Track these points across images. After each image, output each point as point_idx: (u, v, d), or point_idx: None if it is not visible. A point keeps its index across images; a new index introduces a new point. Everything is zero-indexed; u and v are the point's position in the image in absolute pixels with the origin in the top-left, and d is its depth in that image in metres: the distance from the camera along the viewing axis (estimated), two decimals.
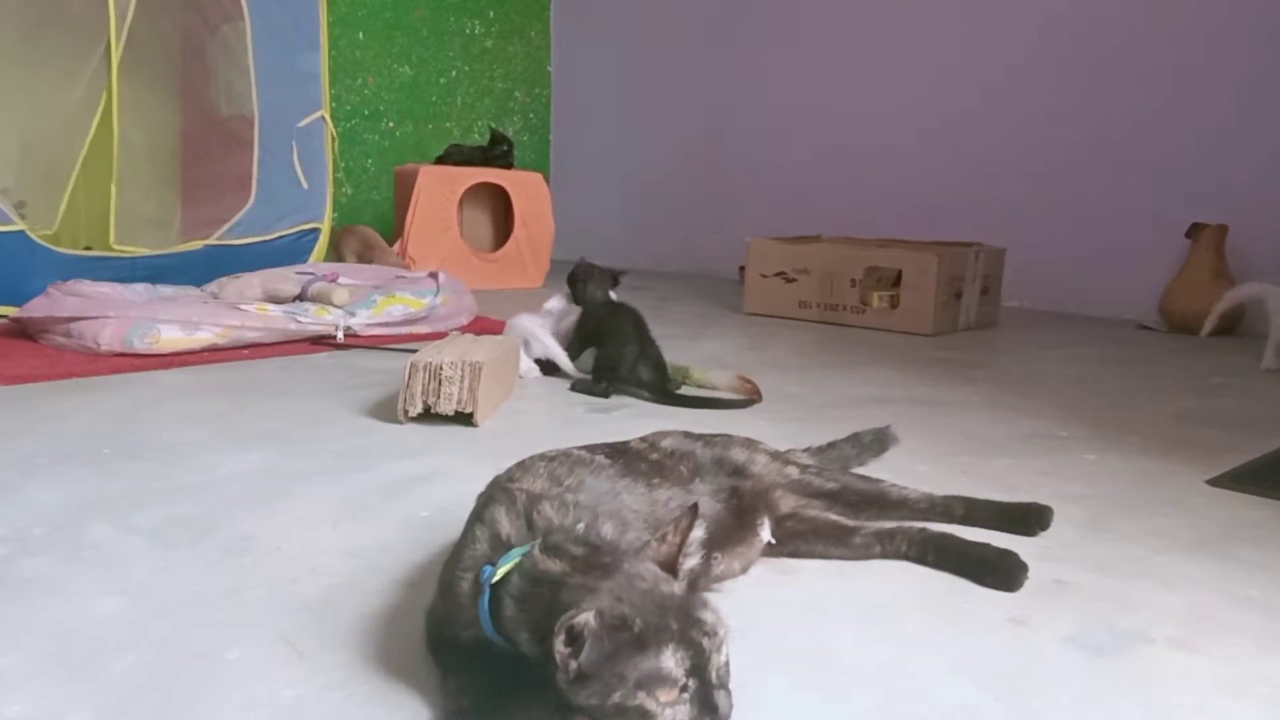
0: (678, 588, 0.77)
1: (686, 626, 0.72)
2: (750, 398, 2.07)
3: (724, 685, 0.73)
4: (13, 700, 0.85)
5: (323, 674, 0.90)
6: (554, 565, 0.78)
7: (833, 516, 1.22)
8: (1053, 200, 3.72)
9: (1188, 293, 3.26)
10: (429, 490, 1.44)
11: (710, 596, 0.81)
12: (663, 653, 0.70)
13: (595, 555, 0.79)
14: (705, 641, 0.72)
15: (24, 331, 2.58)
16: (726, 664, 0.75)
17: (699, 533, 0.80)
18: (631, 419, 1.88)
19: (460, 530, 0.97)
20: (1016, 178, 3.80)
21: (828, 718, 0.85)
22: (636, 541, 0.95)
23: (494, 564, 0.83)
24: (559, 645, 0.70)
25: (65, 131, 3.16)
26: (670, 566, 0.78)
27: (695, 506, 0.82)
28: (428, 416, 1.80)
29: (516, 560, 0.81)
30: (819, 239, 3.75)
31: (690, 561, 0.79)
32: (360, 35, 4.78)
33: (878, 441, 1.58)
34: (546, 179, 4.52)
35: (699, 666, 0.71)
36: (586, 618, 0.69)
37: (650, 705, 0.70)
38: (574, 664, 0.71)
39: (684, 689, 0.70)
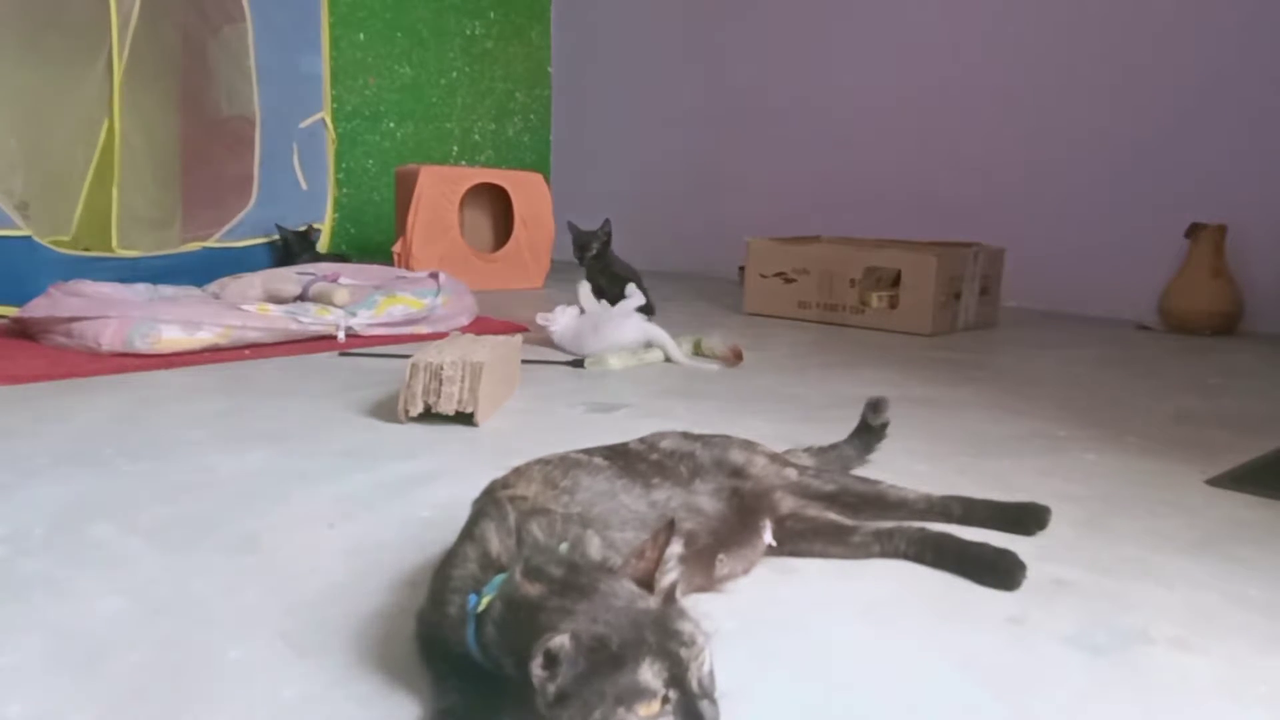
0: (653, 602, 0.76)
1: (663, 639, 0.72)
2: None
3: (708, 695, 0.72)
4: (13, 700, 0.85)
5: (323, 674, 0.90)
6: (533, 589, 0.78)
7: (832, 516, 1.22)
8: (1052, 200, 3.72)
9: (1187, 293, 3.26)
10: (430, 490, 1.44)
11: (690, 606, 0.81)
12: (639, 666, 0.70)
13: (574, 576, 0.78)
14: (683, 652, 0.71)
15: (25, 331, 2.58)
16: (711, 674, 0.74)
17: (676, 548, 0.80)
18: (632, 419, 1.88)
19: (459, 531, 0.97)
20: (1016, 178, 3.80)
21: (828, 717, 0.85)
22: (633, 541, 0.95)
23: (482, 586, 0.84)
24: (536, 669, 0.70)
25: (73, 135, 3.16)
26: (647, 583, 0.78)
27: (673, 523, 0.82)
28: (428, 416, 1.80)
29: (499, 587, 0.81)
30: (818, 239, 3.75)
31: (668, 578, 0.79)
32: (361, 36, 4.79)
33: (870, 433, 1.56)
34: (546, 179, 4.52)
35: (678, 677, 0.70)
36: (561, 640, 0.69)
37: None
38: (551, 687, 0.70)
39: (665, 701, 0.70)
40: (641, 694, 0.69)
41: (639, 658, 0.70)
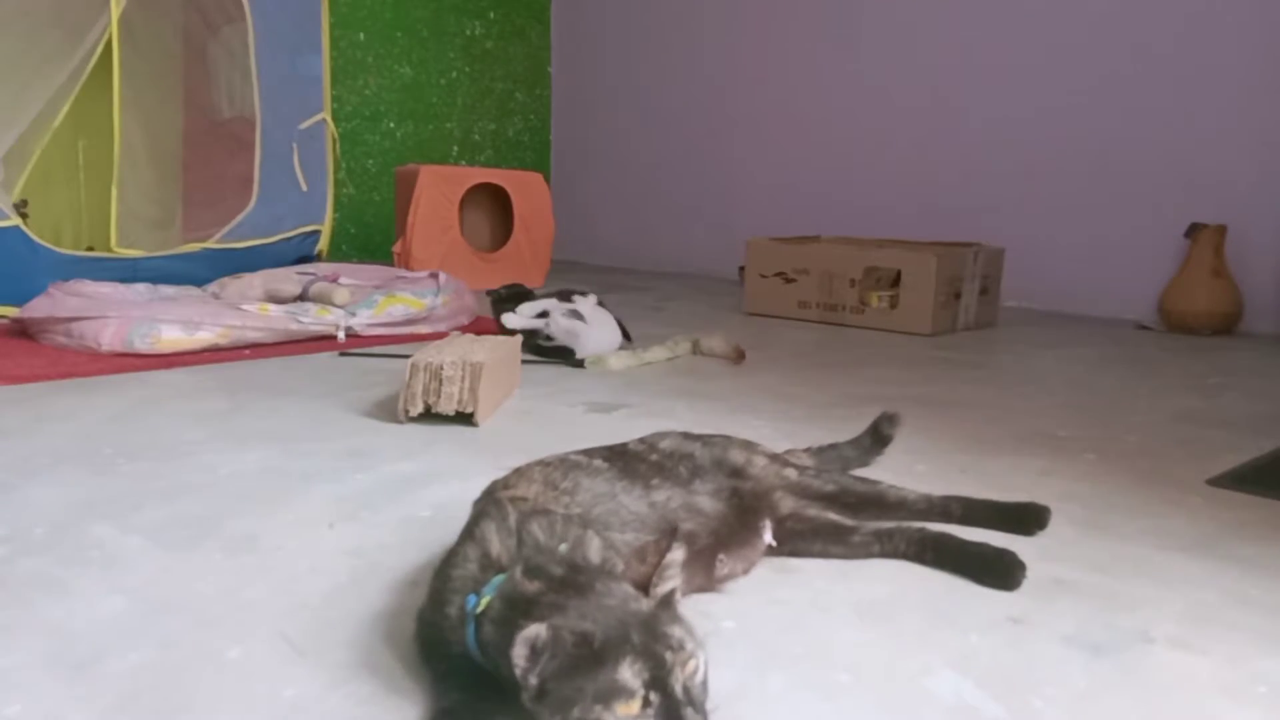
0: (646, 604, 0.76)
1: (649, 640, 0.71)
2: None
3: (694, 703, 0.71)
4: (13, 700, 0.85)
5: (323, 674, 0.90)
6: (531, 586, 0.78)
7: (832, 516, 1.23)
8: (1052, 200, 3.72)
9: (1187, 293, 3.26)
10: (429, 490, 1.44)
11: (690, 606, 0.81)
12: (620, 665, 0.69)
13: (573, 575, 0.78)
14: (668, 655, 0.71)
15: (25, 331, 2.58)
16: (703, 683, 0.73)
17: (679, 554, 0.80)
18: (631, 419, 1.88)
19: (459, 532, 0.97)
20: (1016, 178, 3.80)
21: (828, 717, 0.85)
22: (633, 542, 0.95)
23: (481, 587, 0.84)
24: (516, 658, 0.70)
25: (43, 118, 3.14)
26: (644, 587, 0.78)
27: (675, 529, 0.82)
28: (428, 416, 1.80)
29: (498, 587, 0.81)
30: (818, 239, 3.75)
31: (667, 585, 0.79)
32: (361, 36, 4.78)
33: (878, 441, 1.57)
34: (546, 179, 4.52)
35: (659, 679, 0.69)
36: (538, 629, 0.69)
37: (609, 719, 0.68)
38: (533, 679, 0.70)
39: (646, 703, 0.69)
40: (619, 693, 0.69)
41: (620, 656, 0.70)
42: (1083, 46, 3.61)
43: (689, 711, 0.70)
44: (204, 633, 0.98)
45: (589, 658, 0.70)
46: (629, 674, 0.69)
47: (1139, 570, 1.19)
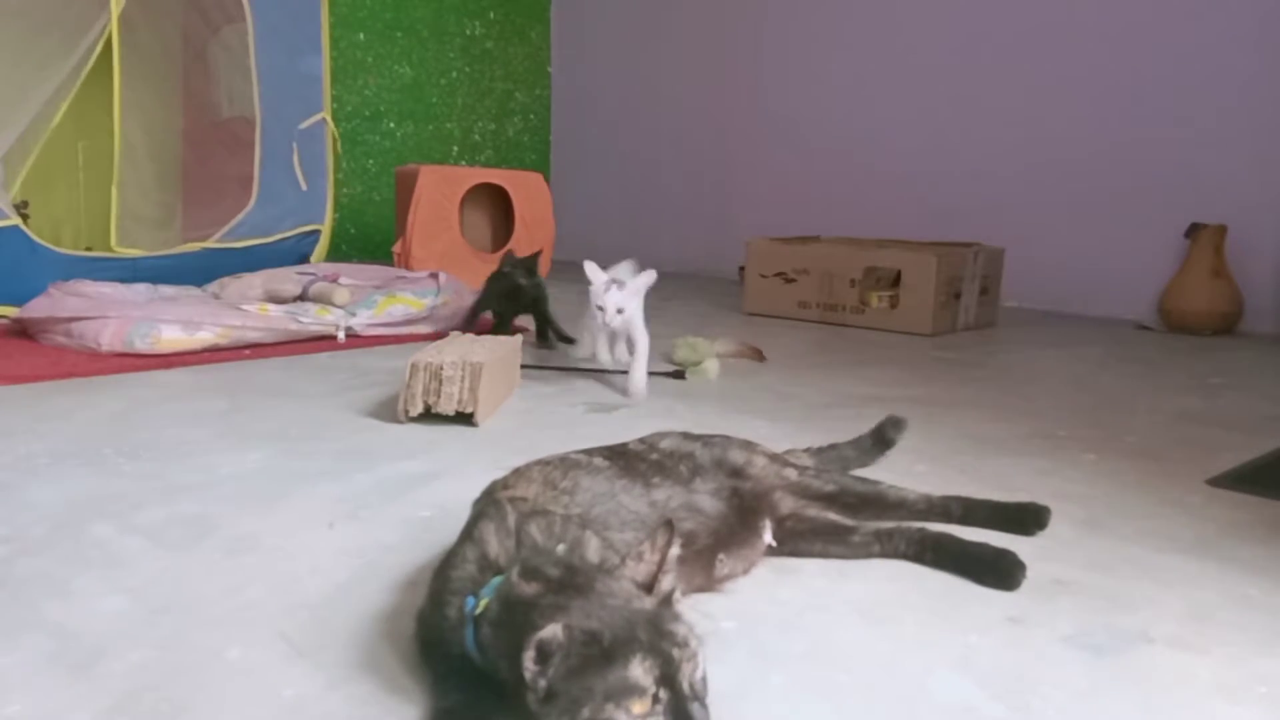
0: (649, 602, 0.76)
1: (656, 638, 0.71)
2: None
3: (699, 698, 0.71)
4: (13, 700, 0.85)
5: (323, 674, 0.90)
6: (529, 589, 0.78)
7: (832, 516, 1.23)
8: (1052, 200, 3.72)
9: (1187, 293, 3.26)
10: (429, 490, 1.44)
11: (690, 606, 0.80)
12: (630, 663, 0.69)
13: (571, 576, 0.78)
14: (675, 652, 0.71)
15: (24, 331, 2.58)
16: (703, 678, 0.73)
17: (675, 550, 0.80)
18: (632, 419, 1.88)
19: (459, 532, 0.97)
20: (1016, 178, 3.80)
21: (828, 717, 0.85)
22: (632, 542, 0.95)
23: (480, 588, 0.84)
24: (528, 662, 0.70)
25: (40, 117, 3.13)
26: (648, 586, 0.78)
27: (671, 523, 0.81)
28: (428, 416, 1.80)
29: (496, 589, 0.81)
30: (818, 239, 3.75)
31: (669, 580, 0.79)
32: (361, 36, 4.79)
33: (881, 443, 1.58)
34: (546, 179, 4.52)
35: (669, 676, 0.70)
36: (554, 630, 0.69)
37: (621, 717, 0.69)
38: (543, 682, 0.70)
39: (656, 699, 0.69)
40: (632, 691, 0.69)
41: (630, 654, 0.70)
42: (1082, 47, 3.61)
43: (695, 707, 0.70)
44: (204, 633, 0.98)
45: (598, 657, 0.70)
46: (640, 671, 0.69)
47: (1139, 570, 1.19)
